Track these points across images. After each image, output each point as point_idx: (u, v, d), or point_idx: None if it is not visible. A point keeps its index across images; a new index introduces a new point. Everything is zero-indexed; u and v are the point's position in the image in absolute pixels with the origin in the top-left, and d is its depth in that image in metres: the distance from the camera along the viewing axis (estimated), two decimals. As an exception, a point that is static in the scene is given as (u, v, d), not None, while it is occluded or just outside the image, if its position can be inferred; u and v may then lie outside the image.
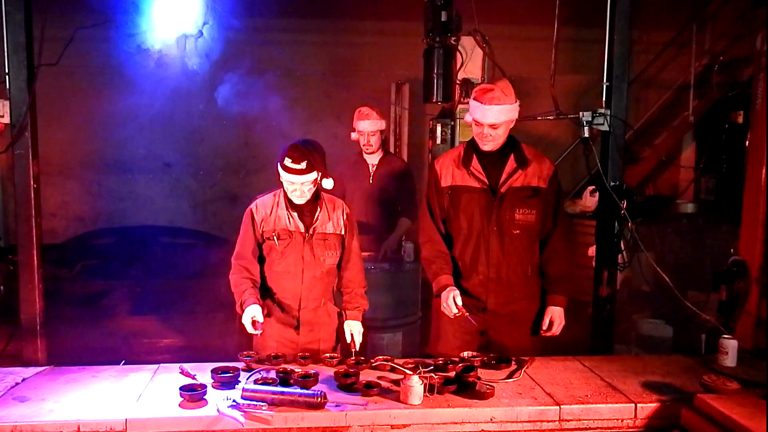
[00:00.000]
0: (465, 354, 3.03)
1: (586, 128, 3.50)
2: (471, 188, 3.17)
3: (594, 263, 3.69)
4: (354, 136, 4.73)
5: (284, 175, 2.96)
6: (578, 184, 6.81)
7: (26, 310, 3.27)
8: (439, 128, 4.71)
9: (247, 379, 2.70)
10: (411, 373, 2.58)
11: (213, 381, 2.69)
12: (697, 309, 3.42)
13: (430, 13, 4.19)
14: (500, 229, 3.15)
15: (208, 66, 4.55)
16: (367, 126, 4.60)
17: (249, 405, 2.45)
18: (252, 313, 2.95)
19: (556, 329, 3.19)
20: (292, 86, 6.61)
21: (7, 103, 3.17)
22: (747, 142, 3.38)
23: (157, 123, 7.19)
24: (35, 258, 3.26)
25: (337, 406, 2.50)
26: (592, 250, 3.93)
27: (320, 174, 2.97)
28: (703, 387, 2.69)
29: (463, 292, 3.16)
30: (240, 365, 2.84)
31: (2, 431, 2.35)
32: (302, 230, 3.09)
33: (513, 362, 3.01)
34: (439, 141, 4.71)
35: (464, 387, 2.64)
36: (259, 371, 2.80)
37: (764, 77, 3.23)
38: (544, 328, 3.20)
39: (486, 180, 3.16)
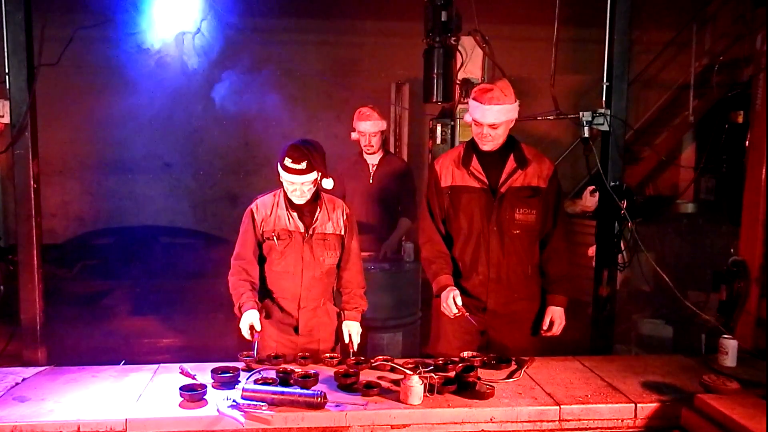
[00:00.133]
0: (465, 354, 3.03)
1: (586, 128, 3.50)
2: (471, 188, 3.17)
3: (594, 263, 3.69)
4: (354, 135, 4.73)
5: (284, 176, 2.96)
6: (578, 184, 6.81)
7: (26, 310, 3.27)
8: (439, 128, 4.71)
9: (247, 379, 2.70)
10: (411, 373, 2.58)
11: (213, 381, 2.69)
12: (697, 309, 3.41)
13: (430, 13, 4.19)
14: (500, 229, 3.15)
15: (208, 66, 4.55)
16: (369, 127, 4.60)
17: (249, 405, 2.45)
18: (250, 320, 2.94)
19: (557, 329, 3.19)
20: (292, 86, 6.61)
21: (7, 103, 3.17)
22: (747, 142, 3.38)
23: (157, 123, 7.20)
24: (35, 258, 3.26)
25: (337, 406, 2.50)
26: (592, 250, 3.93)
27: (320, 174, 2.97)
28: (703, 387, 2.69)
29: (463, 292, 3.16)
30: (240, 365, 2.84)
31: (2, 431, 2.35)
32: (302, 230, 3.09)
33: (513, 362, 3.01)
34: (439, 141, 4.70)
35: (464, 387, 2.64)
36: (259, 371, 2.80)
37: (764, 77, 3.23)
38: (545, 328, 3.20)
39: (486, 180, 3.16)
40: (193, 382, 2.68)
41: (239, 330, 2.98)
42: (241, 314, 2.98)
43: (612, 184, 3.49)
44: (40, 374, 2.86)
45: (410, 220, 4.69)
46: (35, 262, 3.27)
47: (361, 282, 3.26)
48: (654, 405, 2.62)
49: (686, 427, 2.53)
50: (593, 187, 4.98)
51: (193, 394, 2.52)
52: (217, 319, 5.28)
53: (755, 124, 3.32)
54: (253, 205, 3.14)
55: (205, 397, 2.54)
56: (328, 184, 3.01)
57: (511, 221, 3.15)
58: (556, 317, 3.18)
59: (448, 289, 3.12)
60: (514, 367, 2.97)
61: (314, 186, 3.01)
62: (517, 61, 4.97)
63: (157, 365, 2.96)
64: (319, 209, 3.11)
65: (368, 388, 2.61)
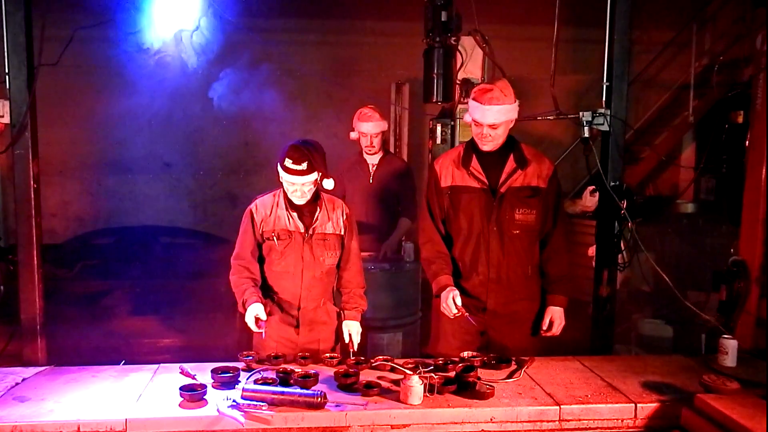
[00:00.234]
0: (465, 354, 3.03)
1: (586, 128, 3.50)
2: (471, 188, 3.17)
3: (594, 263, 3.69)
4: (353, 135, 4.73)
5: (285, 176, 2.96)
6: (578, 184, 6.81)
7: (26, 310, 3.27)
8: (439, 128, 4.70)
9: (247, 379, 2.70)
10: (411, 373, 2.58)
11: (213, 381, 2.69)
12: (697, 309, 3.42)
13: (430, 13, 4.19)
14: (500, 229, 3.15)
15: (208, 66, 4.54)
16: (371, 128, 4.60)
17: (249, 405, 2.45)
18: (255, 311, 2.95)
19: (556, 329, 3.19)
20: (292, 86, 6.61)
21: (7, 103, 3.17)
22: (747, 142, 3.38)
23: (157, 123, 7.19)
24: (35, 258, 3.26)
25: (337, 406, 2.50)
26: (592, 250, 3.93)
27: (321, 174, 2.97)
28: (703, 387, 2.69)
29: (463, 293, 3.16)
30: (240, 365, 2.84)
31: (2, 431, 2.35)
32: (302, 230, 3.09)
33: (513, 362, 3.01)
34: (439, 141, 4.70)
35: (464, 387, 2.64)
36: (259, 371, 2.80)
37: (764, 77, 3.24)
38: (544, 328, 3.20)
39: (486, 180, 3.16)
40: (193, 382, 2.68)
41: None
42: (245, 309, 2.99)
43: (612, 184, 3.49)
44: (40, 374, 2.86)
45: (410, 220, 4.69)
46: (35, 262, 3.27)
47: (361, 282, 3.26)
48: (654, 405, 2.62)
49: (686, 427, 2.53)
50: (593, 187, 4.98)
51: (193, 394, 2.52)
52: (217, 319, 5.29)
53: (755, 124, 3.32)
54: (252, 206, 3.14)
55: (205, 397, 2.54)
56: (329, 184, 3.01)
57: (510, 221, 3.15)
58: (555, 317, 3.18)
59: (447, 289, 3.12)
60: (514, 367, 2.97)
61: (314, 186, 3.01)
62: (517, 61, 4.97)
63: (157, 365, 2.96)
64: (319, 209, 3.11)
65: (368, 388, 2.61)
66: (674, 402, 2.62)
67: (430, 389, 2.58)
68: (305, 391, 2.52)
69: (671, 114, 7.20)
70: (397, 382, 2.66)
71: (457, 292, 3.10)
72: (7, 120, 3.18)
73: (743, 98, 3.83)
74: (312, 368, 2.87)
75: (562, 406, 2.59)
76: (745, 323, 3.24)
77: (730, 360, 2.96)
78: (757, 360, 3.03)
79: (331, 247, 3.14)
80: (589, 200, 5.63)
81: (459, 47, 4.39)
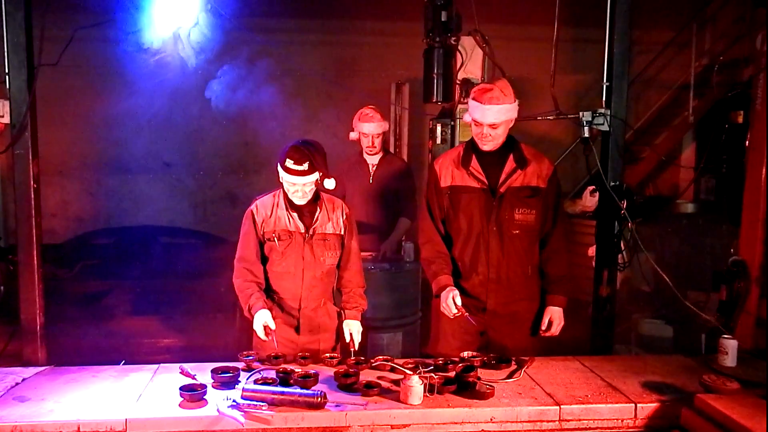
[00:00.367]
0: (465, 354, 3.03)
1: (586, 128, 3.50)
2: (470, 188, 3.17)
3: (594, 263, 3.69)
4: (353, 136, 4.73)
5: (285, 177, 2.95)
6: (578, 184, 6.81)
7: (26, 310, 3.27)
8: (439, 128, 4.70)
9: (247, 379, 2.70)
10: (411, 373, 2.58)
11: (213, 381, 2.69)
12: (697, 309, 3.41)
13: (430, 13, 4.19)
14: (500, 229, 3.15)
15: (208, 66, 4.54)
16: (372, 129, 4.60)
17: (249, 405, 2.45)
18: (263, 319, 2.96)
19: (556, 329, 3.19)
20: (292, 86, 6.59)
21: (7, 103, 3.17)
22: (747, 142, 3.38)
23: (157, 123, 7.20)
24: (35, 258, 3.26)
25: (337, 406, 2.50)
26: (592, 250, 3.93)
27: (322, 174, 2.97)
28: (703, 387, 2.69)
29: (463, 293, 3.16)
30: (240, 365, 2.84)
31: (2, 431, 2.35)
32: (302, 230, 3.09)
33: (513, 362, 3.01)
34: (439, 141, 4.70)
35: (464, 387, 2.64)
36: (259, 371, 2.80)
37: (764, 77, 3.24)
38: (543, 328, 3.20)
39: (485, 180, 3.16)
40: (193, 382, 2.68)
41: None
42: (252, 316, 2.98)
43: (612, 184, 3.49)
44: (40, 374, 2.86)
45: (410, 219, 4.69)
46: (35, 262, 3.26)
47: (361, 281, 3.26)
48: (654, 405, 2.62)
49: (686, 427, 2.53)
50: (593, 187, 4.97)
51: (193, 394, 2.52)
52: (217, 319, 5.29)
53: (755, 124, 3.32)
54: (253, 206, 3.13)
55: (205, 397, 2.54)
56: (330, 184, 3.00)
57: (510, 221, 3.15)
58: (555, 317, 3.18)
59: (447, 289, 3.12)
60: (514, 367, 2.97)
61: (315, 187, 3.02)
62: (517, 61, 4.96)
63: (157, 365, 2.96)
64: (319, 209, 3.11)
65: (368, 388, 2.61)
66: (674, 402, 2.62)
67: (430, 389, 2.58)
68: (305, 391, 2.52)
69: (671, 114, 7.20)
70: (397, 382, 2.66)
71: (456, 292, 3.10)
72: (7, 120, 3.18)
73: (743, 98, 3.82)
74: (312, 368, 2.87)
75: (562, 406, 2.59)
76: (745, 323, 3.24)
77: (730, 360, 2.96)
78: (757, 360, 3.03)
79: (332, 247, 3.14)
80: (589, 200, 5.63)
81: (459, 47, 4.39)
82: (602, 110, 3.49)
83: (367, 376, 2.77)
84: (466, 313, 3.08)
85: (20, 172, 3.23)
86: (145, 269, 6.22)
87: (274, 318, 3.09)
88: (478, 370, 2.79)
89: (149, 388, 2.69)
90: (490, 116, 3.02)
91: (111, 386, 2.71)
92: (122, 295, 6.37)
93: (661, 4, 6.60)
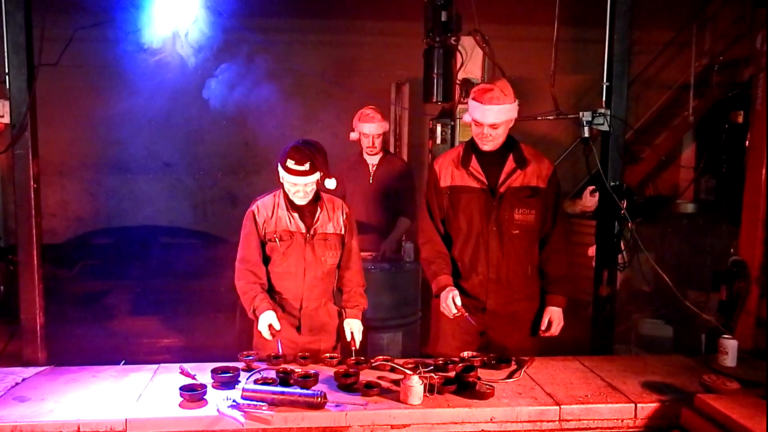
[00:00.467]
0: (465, 354, 3.02)
1: (586, 128, 3.49)
2: (470, 188, 3.17)
3: (594, 263, 3.69)
4: (353, 136, 4.73)
5: (287, 177, 2.95)
6: (578, 184, 6.81)
7: (26, 310, 3.27)
8: (439, 128, 4.70)
9: (247, 379, 2.70)
10: (411, 373, 2.58)
11: (213, 381, 2.69)
12: (697, 309, 3.42)
13: (430, 13, 4.19)
14: (499, 229, 3.15)
15: (207, 66, 4.54)
16: (373, 129, 4.61)
17: (249, 405, 2.45)
18: (268, 320, 2.96)
19: (555, 329, 3.19)
20: (292, 86, 6.59)
21: (7, 103, 3.17)
22: (747, 142, 3.38)
23: (157, 123, 7.20)
24: (35, 258, 3.26)
25: (337, 406, 2.50)
26: (592, 250, 3.93)
27: (322, 174, 2.97)
28: (703, 387, 2.69)
29: (463, 293, 3.16)
30: (240, 365, 2.84)
31: (2, 431, 2.35)
32: (303, 231, 3.09)
33: (513, 362, 3.01)
34: (439, 141, 4.70)
35: (464, 387, 2.64)
36: (259, 371, 2.80)
37: (764, 77, 3.24)
38: (543, 328, 3.20)
39: (485, 180, 3.16)
40: (193, 382, 2.68)
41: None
42: (257, 317, 2.98)
43: (612, 184, 3.49)
44: (40, 374, 2.86)
45: (409, 219, 4.69)
46: (35, 262, 3.26)
47: (361, 280, 3.27)
48: (654, 405, 2.62)
49: (686, 427, 2.53)
50: (593, 187, 4.98)
51: (193, 394, 2.52)
52: (217, 319, 5.29)
53: (755, 124, 3.32)
54: (253, 207, 3.13)
55: (205, 397, 2.54)
56: (331, 184, 3.00)
57: (510, 221, 3.15)
58: (554, 317, 3.18)
59: (447, 289, 3.12)
60: (514, 367, 2.97)
61: (316, 187, 3.01)
62: (517, 61, 4.96)
63: (157, 365, 2.96)
64: (319, 210, 3.11)
65: (368, 388, 2.61)
66: (674, 402, 2.62)
67: (430, 389, 2.58)
68: (305, 391, 2.52)
69: (671, 114, 7.20)
70: (397, 382, 2.66)
71: (456, 292, 3.10)
72: (7, 120, 3.18)
73: (743, 98, 3.82)
74: (312, 368, 2.87)
75: (562, 406, 2.59)
76: (745, 323, 3.24)
77: (730, 360, 2.96)
78: (757, 360, 3.03)
79: (332, 247, 3.14)
80: (589, 200, 5.63)
81: (459, 47, 4.38)
82: (602, 110, 3.49)
83: (367, 376, 2.77)
84: (466, 314, 3.08)
85: (20, 172, 3.23)
86: (145, 269, 6.23)
87: (278, 318, 3.10)
88: (478, 370, 2.79)
89: (149, 388, 2.69)
90: (491, 116, 3.02)
91: (111, 386, 2.71)
92: (122, 295, 6.38)
93: (661, 4, 6.59)
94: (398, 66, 6.58)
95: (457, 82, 4.46)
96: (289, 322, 3.15)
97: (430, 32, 4.21)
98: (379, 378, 2.77)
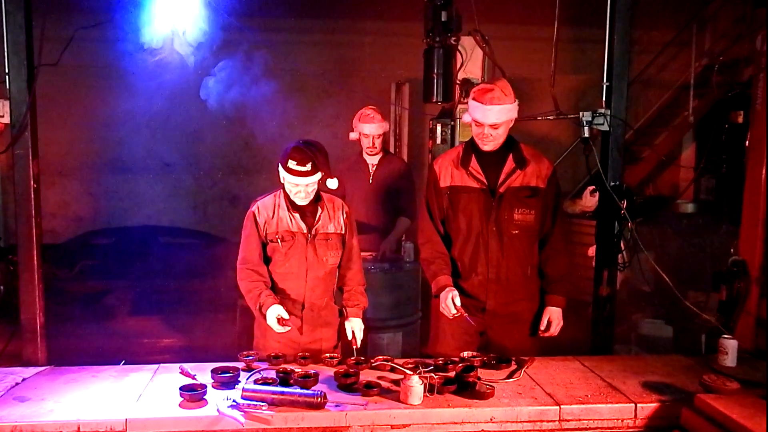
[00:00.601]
0: (465, 354, 3.02)
1: (586, 128, 3.49)
2: (470, 188, 3.17)
3: (594, 263, 3.69)
4: (353, 136, 4.73)
5: (288, 177, 2.95)
6: (578, 184, 6.81)
7: (26, 310, 3.27)
8: (439, 128, 4.71)
9: (247, 379, 2.70)
10: (411, 373, 2.58)
11: (213, 381, 2.69)
12: (697, 309, 3.41)
13: (430, 13, 4.19)
14: (499, 229, 3.15)
15: (207, 66, 4.54)
16: (373, 129, 4.61)
17: (249, 405, 2.45)
18: (276, 312, 2.96)
19: (554, 329, 3.19)
20: (292, 86, 6.60)
21: (7, 103, 3.17)
22: (747, 142, 3.38)
23: (157, 123, 7.21)
24: (35, 258, 3.26)
25: (337, 406, 2.50)
26: (592, 250, 3.93)
27: (324, 174, 2.97)
28: (703, 387, 2.69)
29: (463, 293, 3.16)
30: (240, 365, 2.84)
31: (2, 431, 2.35)
32: (305, 231, 3.09)
33: (513, 362, 3.01)
34: (439, 141, 4.71)
35: (464, 387, 2.64)
36: (259, 371, 2.80)
37: (764, 77, 3.23)
38: (542, 328, 3.19)
39: (485, 180, 3.15)
40: (193, 382, 2.68)
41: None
42: (264, 313, 2.98)
43: (612, 184, 3.49)
44: (40, 374, 2.86)
45: (409, 219, 4.69)
46: (35, 262, 3.26)
47: (362, 279, 3.27)
48: (654, 405, 2.62)
49: (686, 427, 2.53)
50: (593, 187, 4.98)
51: (193, 394, 2.52)
52: (217, 319, 5.29)
53: (755, 124, 3.32)
54: (254, 208, 3.12)
55: (205, 397, 2.54)
56: (332, 184, 3.00)
57: (510, 221, 3.14)
58: (553, 318, 3.18)
59: (447, 289, 3.12)
60: (514, 367, 2.97)
61: (317, 187, 3.01)
62: (517, 61, 4.97)
63: (157, 365, 2.96)
64: (320, 210, 3.11)
65: (368, 388, 2.61)
66: (674, 402, 2.62)
67: (430, 389, 2.58)
68: (305, 391, 2.52)
69: (671, 114, 7.20)
70: (397, 382, 2.66)
71: (456, 292, 3.10)
72: (7, 120, 3.17)
73: (743, 98, 3.83)
74: (312, 368, 2.87)
75: (562, 406, 2.59)
76: (745, 323, 3.24)
77: (730, 360, 2.96)
78: (757, 360, 3.03)
79: (334, 247, 3.14)
80: (589, 200, 5.63)
81: (459, 47, 4.39)
82: (602, 110, 3.49)
83: (367, 376, 2.77)
84: (465, 314, 3.08)
85: (20, 172, 3.23)
86: (145, 269, 6.22)
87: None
88: (478, 370, 2.79)
89: (149, 388, 2.69)
90: (492, 116, 3.02)
91: (111, 386, 2.71)
92: (122, 295, 6.38)
93: (661, 4, 6.60)
94: (398, 66, 6.58)
95: (457, 82, 4.46)
96: (290, 321, 3.15)
97: (430, 32, 4.21)
98: (379, 378, 2.77)
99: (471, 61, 4.52)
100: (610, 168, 3.51)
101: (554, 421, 2.58)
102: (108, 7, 3.91)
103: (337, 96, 6.69)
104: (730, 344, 2.97)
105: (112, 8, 3.91)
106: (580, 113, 3.50)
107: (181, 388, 2.54)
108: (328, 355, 3.03)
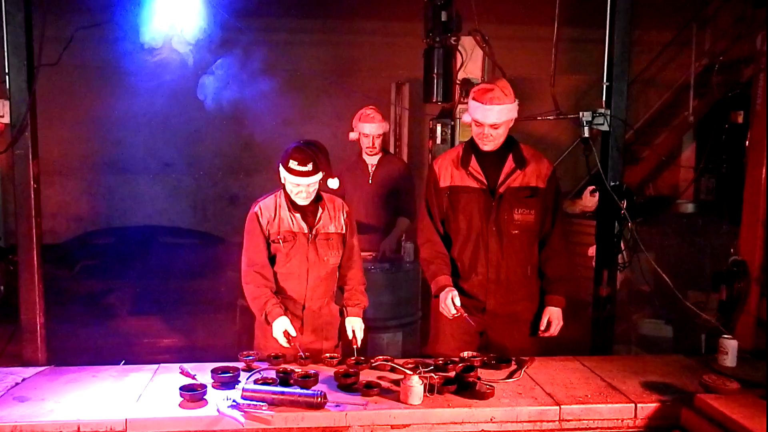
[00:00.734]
0: (465, 354, 3.02)
1: (586, 128, 3.49)
2: (470, 188, 3.16)
3: (594, 263, 3.69)
4: (353, 136, 4.73)
5: (289, 177, 2.95)
6: (578, 184, 6.81)
7: (26, 310, 3.27)
8: (439, 128, 4.71)
9: (247, 379, 2.70)
10: (411, 373, 2.58)
11: (213, 381, 2.69)
12: (697, 309, 3.41)
13: (430, 13, 4.20)
14: (499, 229, 3.15)
15: (208, 66, 4.55)
16: (373, 129, 4.61)
17: (249, 405, 2.45)
18: (283, 327, 2.95)
19: (554, 330, 3.19)
20: (292, 86, 6.60)
21: (7, 103, 3.16)
22: (747, 142, 3.38)
23: (157, 123, 7.21)
24: (35, 258, 3.26)
25: (337, 406, 2.50)
26: (592, 250, 3.93)
27: (324, 174, 2.97)
28: (703, 387, 2.69)
29: (463, 293, 3.16)
30: (240, 365, 2.84)
31: (2, 431, 2.35)
32: (306, 231, 3.09)
33: (513, 362, 3.01)
34: (439, 141, 4.71)
35: (464, 387, 2.64)
36: (259, 371, 2.80)
37: (764, 77, 3.23)
38: (542, 328, 3.19)
39: (485, 180, 3.15)
40: (193, 382, 2.68)
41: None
42: (270, 323, 2.98)
43: (612, 184, 3.49)
44: (40, 374, 2.86)
45: (409, 219, 4.69)
46: (35, 262, 3.26)
47: (362, 279, 3.27)
48: (654, 405, 2.62)
49: (686, 427, 2.53)
50: (593, 187, 4.98)
51: (193, 394, 2.52)
52: (217, 319, 5.29)
53: (755, 124, 3.32)
54: (256, 208, 3.12)
55: (205, 397, 2.54)
56: (333, 183, 3.01)
57: (509, 221, 3.14)
58: (553, 318, 3.18)
59: (446, 289, 3.11)
60: (514, 367, 2.97)
61: (318, 187, 3.02)
62: (517, 61, 4.98)
63: (157, 365, 2.96)
64: (321, 209, 3.11)
65: (368, 388, 2.61)
66: (674, 402, 2.62)
67: (430, 389, 2.58)
68: (305, 391, 2.52)
69: (671, 114, 7.20)
70: (397, 382, 2.66)
71: (455, 292, 3.10)
72: (7, 120, 3.17)
73: (743, 98, 3.82)
74: (312, 368, 2.87)
75: (562, 406, 2.59)
76: (745, 323, 3.24)
77: (730, 360, 2.96)
78: (757, 360, 3.03)
79: (335, 247, 3.14)
80: (589, 200, 5.63)
81: (459, 47, 4.39)
82: (602, 110, 3.49)
83: (367, 376, 2.77)
84: (465, 314, 3.07)
85: (20, 172, 3.23)
86: (145, 269, 6.23)
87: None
88: (478, 370, 2.79)
89: (149, 388, 2.69)
90: (492, 116, 3.02)
91: (111, 386, 2.71)
92: (122, 295, 6.38)
93: (661, 4, 6.60)
94: (398, 66, 6.59)
95: (457, 82, 4.47)
96: (291, 322, 3.15)
97: (430, 32, 4.21)
98: (379, 378, 2.77)
99: (471, 61, 4.53)
100: (610, 168, 3.51)
101: (554, 421, 2.58)
102: (108, 7, 3.91)
103: (336, 96, 6.70)
104: (730, 344, 2.97)
105: (112, 8, 3.91)
106: (580, 113, 3.50)
107: (181, 388, 2.54)
108: (328, 355, 3.03)
